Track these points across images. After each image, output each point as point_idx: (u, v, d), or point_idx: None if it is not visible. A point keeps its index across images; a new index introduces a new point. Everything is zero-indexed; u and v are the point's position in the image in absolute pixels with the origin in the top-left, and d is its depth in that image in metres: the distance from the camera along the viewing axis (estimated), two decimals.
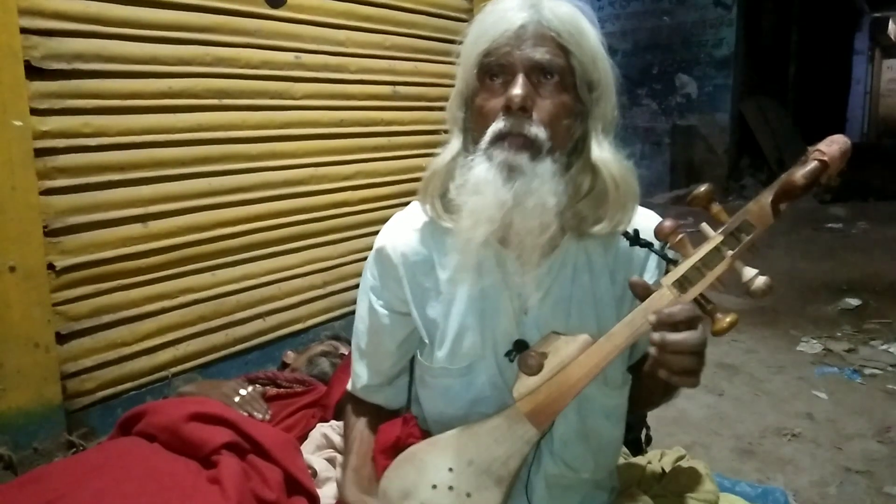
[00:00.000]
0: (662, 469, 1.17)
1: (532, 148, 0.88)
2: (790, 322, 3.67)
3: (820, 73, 11.30)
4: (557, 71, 0.89)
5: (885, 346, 3.25)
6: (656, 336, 0.81)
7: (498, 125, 0.89)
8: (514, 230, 0.91)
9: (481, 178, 0.89)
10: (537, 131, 0.88)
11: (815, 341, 3.37)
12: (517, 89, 0.87)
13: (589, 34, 0.91)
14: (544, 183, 0.88)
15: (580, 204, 0.93)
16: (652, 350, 0.82)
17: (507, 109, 0.88)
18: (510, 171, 0.87)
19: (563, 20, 0.89)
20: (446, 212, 0.97)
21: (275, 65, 1.91)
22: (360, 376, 1.13)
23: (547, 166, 0.88)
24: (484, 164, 0.89)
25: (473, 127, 0.95)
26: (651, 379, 0.87)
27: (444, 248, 1.01)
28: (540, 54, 0.88)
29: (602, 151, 0.92)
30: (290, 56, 1.95)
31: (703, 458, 1.39)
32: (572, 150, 0.93)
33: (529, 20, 0.89)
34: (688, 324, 0.80)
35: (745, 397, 2.79)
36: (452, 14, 2.46)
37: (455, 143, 0.98)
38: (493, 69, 0.91)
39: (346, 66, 2.13)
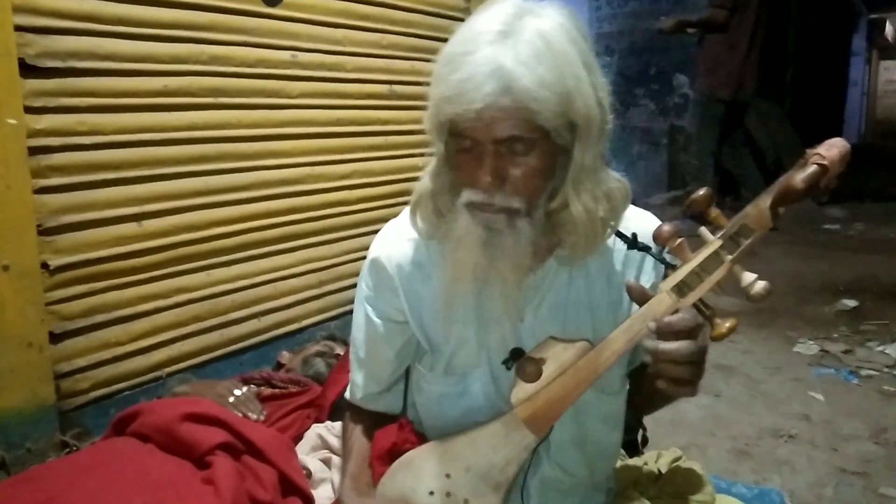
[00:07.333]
0: (659, 470, 1.17)
1: (508, 212, 0.86)
2: (787, 323, 3.66)
3: (817, 75, 11.30)
4: (526, 139, 0.84)
5: (881, 348, 3.25)
6: (650, 344, 0.80)
7: (470, 196, 0.87)
8: (492, 280, 0.90)
9: (462, 233, 0.88)
10: (510, 202, 0.86)
11: (811, 343, 3.36)
12: (486, 173, 0.84)
13: (564, 71, 0.81)
14: (518, 243, 0.86)
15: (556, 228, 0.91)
16: (646, 358, 0.81)
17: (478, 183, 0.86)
18: (488, 232, 0.86)
19: (529, 88, 0.79)
20: (439, 232, 0.95)
21: (271, 63, 1.91)
22: (358, 386, 1.12)
23: (523, 226, 0.86)
24: (465, 218, 0.88)
25: (451, 170, 0.92)
26: (651, 385, 0.86)
27: (438, 257, 1.00)
28: (506, 132, 0.82)
29: (577, 203, 0.87)
30: (286, 55, 1.95)
31: (700, 460, 1.39)
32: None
33: (492, 97, 0.79)
34: (687, 333, 0.79)
35: (742, 398, 2.78)
36: (450, 13, 2.46)
37: (436, 169, 0.94)
38: (460, 135, 0.86)
39: (342, 64, 2.12)
